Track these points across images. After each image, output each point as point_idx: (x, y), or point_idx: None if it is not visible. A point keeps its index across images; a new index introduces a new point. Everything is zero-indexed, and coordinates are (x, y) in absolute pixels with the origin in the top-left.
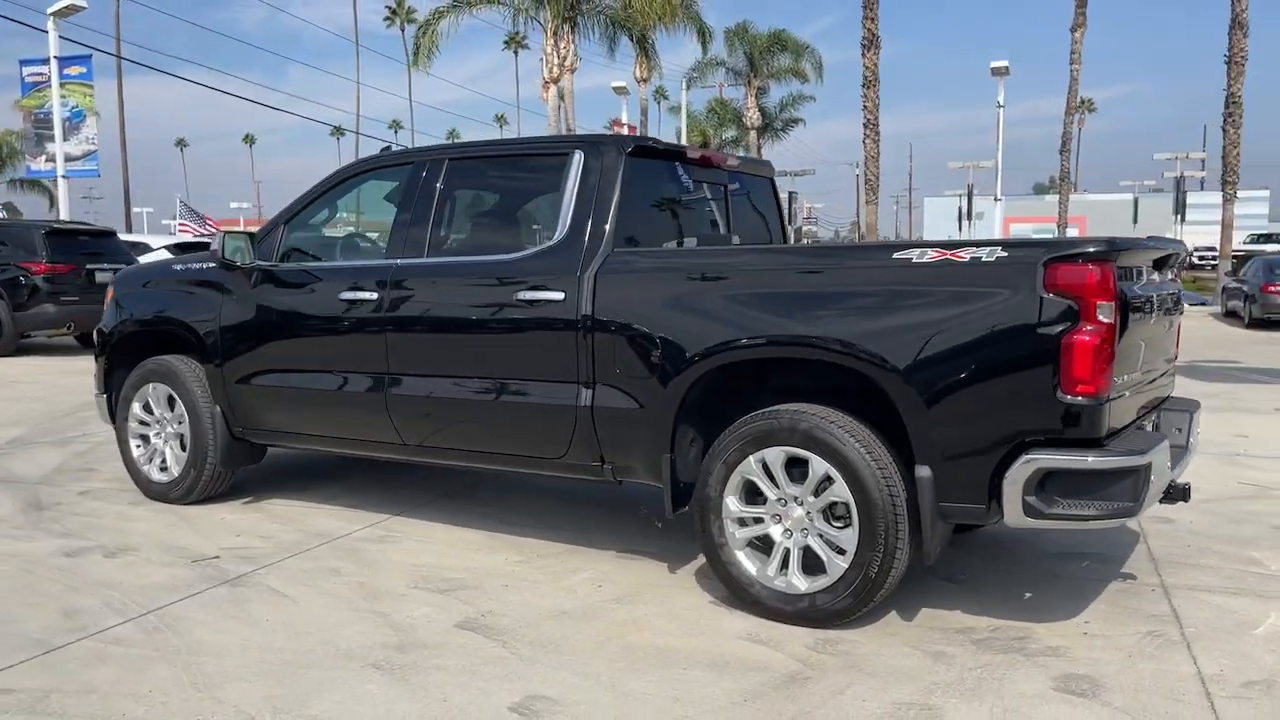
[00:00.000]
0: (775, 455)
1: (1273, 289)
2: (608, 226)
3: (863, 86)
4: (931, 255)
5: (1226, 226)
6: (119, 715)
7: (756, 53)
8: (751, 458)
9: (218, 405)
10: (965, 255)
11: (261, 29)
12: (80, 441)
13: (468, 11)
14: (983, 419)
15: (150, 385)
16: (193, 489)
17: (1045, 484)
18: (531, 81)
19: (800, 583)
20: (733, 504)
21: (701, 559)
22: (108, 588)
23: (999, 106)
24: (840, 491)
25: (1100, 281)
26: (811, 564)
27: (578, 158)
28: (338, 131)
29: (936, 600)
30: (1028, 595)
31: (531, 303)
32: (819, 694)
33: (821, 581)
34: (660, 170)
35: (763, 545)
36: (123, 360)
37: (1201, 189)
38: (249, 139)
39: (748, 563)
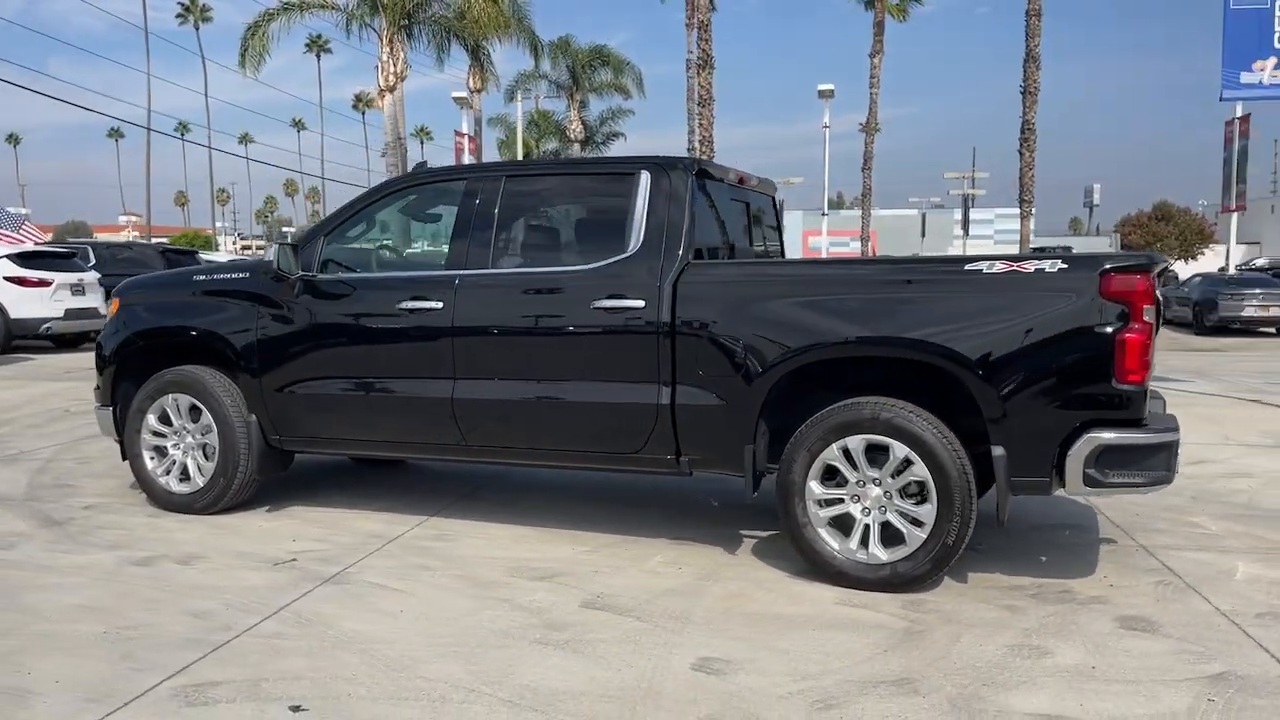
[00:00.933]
0: (857, 443)
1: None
2: (682, 240)
3: (698, 104)
4: (1000, 267)
5: (1024, 240)
6: (345, 695)
7: (579, 66)
8: (834, 445)
9: (253, 414)
10: (1030, 267)
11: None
12: (27, 459)
13: (299, 15)
14: (1049, 405)
15: (170, 396)
16: (220, 498)
17: (1101, 458)
18: (335, 85)
19: (881, 554)
20: (815, 487)
21: (749, 541)
22: (214, 591)
23: (825, 127)
24: (919, 472)
25: (1146, 289)
26: (889, 537)
27: (645, 178)
28: (115, 134)
29: (973, 566)
30: (1043, 559)
31: (611, 310)
32: (940, 643)
33: (901, 551)
34: (712, 190)
35: (842, 523)
36: (130, 372)
37: (974, 205)
38: (13, 139)
39: (830, 539)
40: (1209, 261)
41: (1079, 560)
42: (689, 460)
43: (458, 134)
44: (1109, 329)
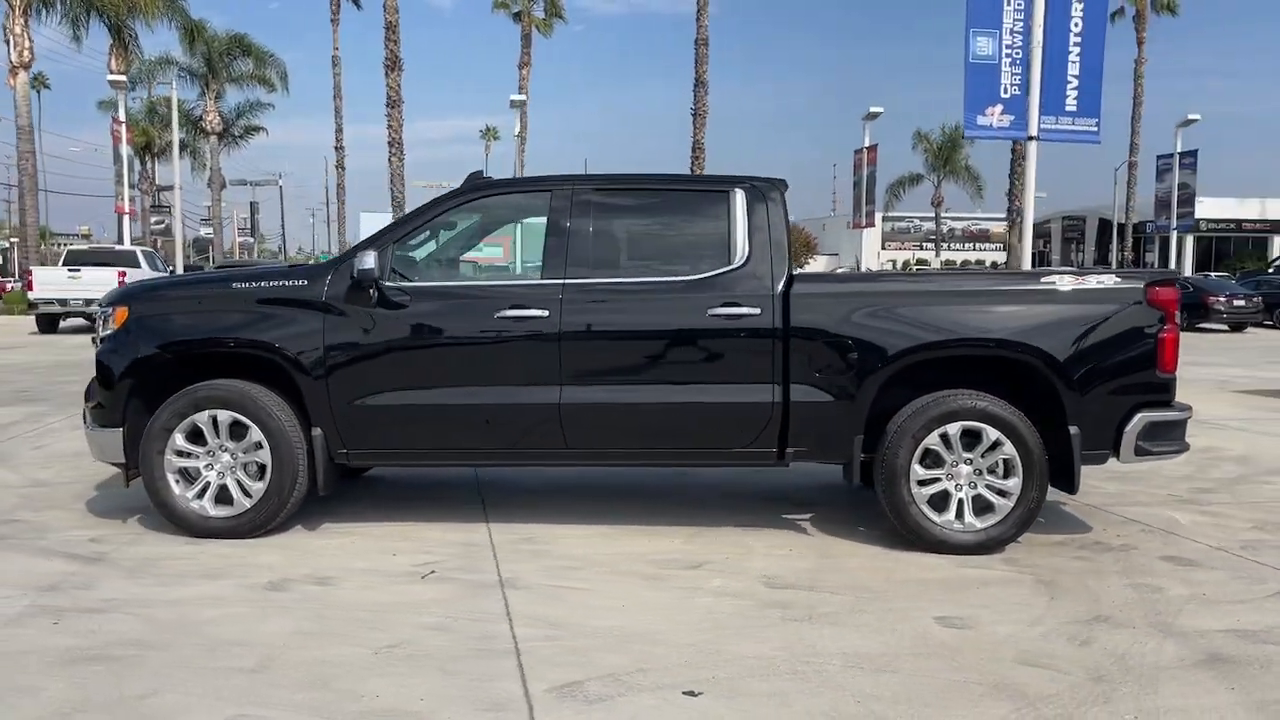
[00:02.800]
0: (955, 429)
1: None
2: (786, 253)
3: (388, 105)
4: (1069, 280)
5: None
6: (710, 679)
7: (215, 55)
8: (935, 432)
9: (317, 428)
10: (1091, 281)
11: None
12: None
13: None
14: (1113, 391)
15: (205, 413)
16: (271, 519)
17: (1148, 432)
18: None
19: (976, 522)
20: (918, 470)
21: (807, 524)
22: (409, 608)
23: (518, 136)
24: (1007, 451)
25: (1178, 297)
26: (978, 508)
27: (739, 196)
28: None
29: None
30: (1042, 521)
31: (727, 317)
32: (1081, 588)
33: (992, 519)
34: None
35: (938, 499)
36: (143, 390)
37: None
38: None
39: (931, 513)
40: (815, 268)
41: (1069, 520)
42: (793, 453)
43: (115, 120)
44: (1153, 330)
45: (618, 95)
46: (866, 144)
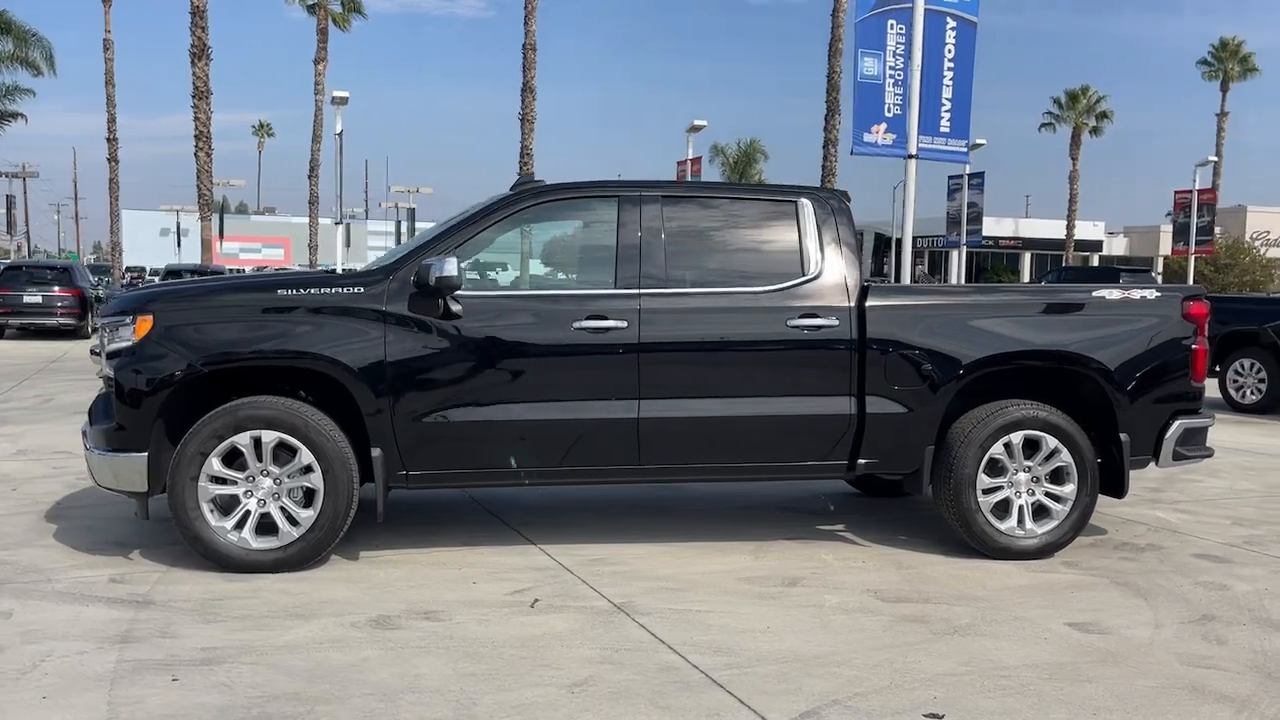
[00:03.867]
0: (1018, 438)
1: None
2: (859, 263)
3: (195, 97)
4: (1116, 294)
5: None
6: (933, 700)
7: None
8: (1000, 441)
9: (377, 448)
10: (1136, 294)
11: None
12: None
13: None
14: (1157, 400)
15: (246, 435)
16: (320, 550)
17: (1183, 438)
18: None
19: (1036, 528)
20: (984, 478)
21: (848, 536)
22: (547, 642)
23: (338, 134)
24: (1064, 458)
25: (1207, 311)
26: (1036, 514)
27: (808, 206)
28: None
29: None
30: None
31: (807, 328)
32: (1162, 590)
33: (1049, 524)
34: None
35: (1001, 506)
36: (174, 408)
37: (368, 218)
38: None
39: (994, 520)
40: None
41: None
42: (865, 464)
43: None
44: (1188, 342)
45: (426, 93)
46: (690, 155)
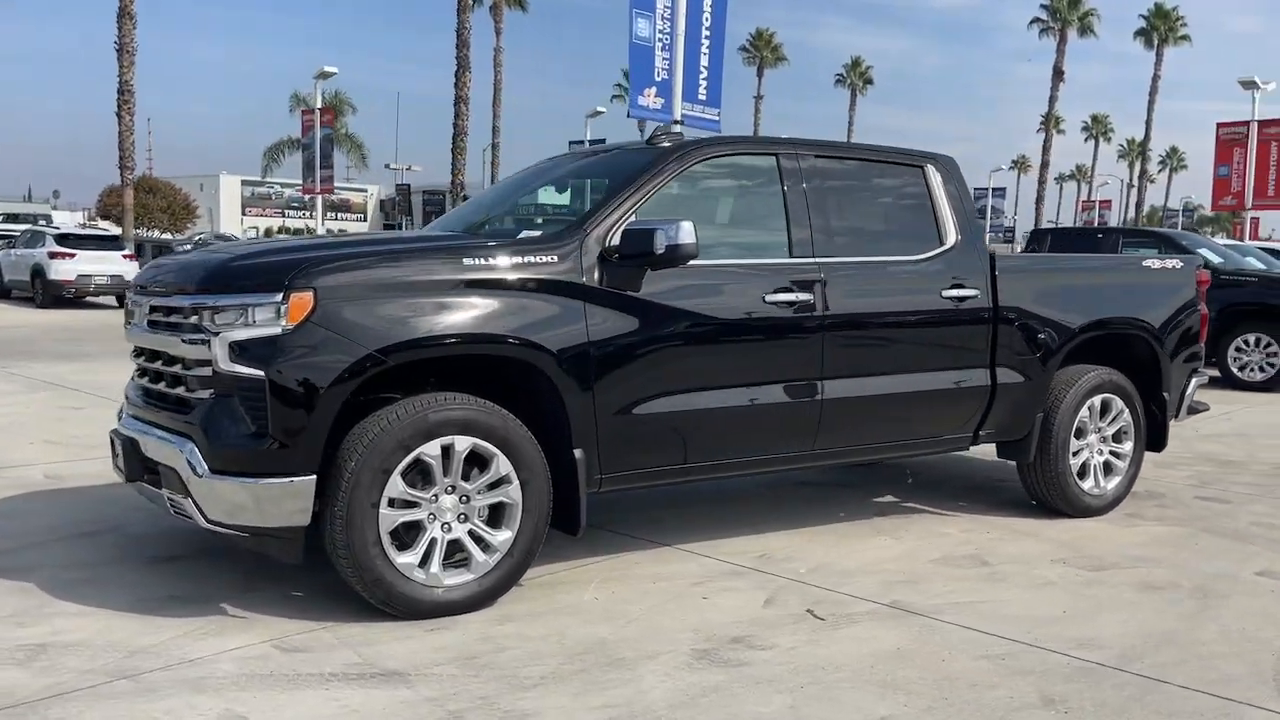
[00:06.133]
0: (1098, 401)
1: None
2: (983, 231)
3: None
4: (1155, 263)
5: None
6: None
7: None
8: (1086, 405)
9: (579, 449)
10: (1170, 264)
11: None
12: None
13: None
14: (1185, 359)
15: (437, 442)
16: (514, 579)
17: (1196, 393)
18: None
19: (1108, 486)
20: (1072, 441)
21: (932, 507)
22: (917, 653)
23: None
24: (1126, 418)
25: (1207, 279)
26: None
27: (933, 171)
28: None
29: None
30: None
31: (956, 299)
32: (1231, 531)
33: (1114, 481)
34: None
35: (1081, 468)
36: (344, 415)
37: None
38: None
39: (1079, 482)
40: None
41: None
42: (984, 435)
43: None
44: (1199, 306)
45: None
46: (320, 105)
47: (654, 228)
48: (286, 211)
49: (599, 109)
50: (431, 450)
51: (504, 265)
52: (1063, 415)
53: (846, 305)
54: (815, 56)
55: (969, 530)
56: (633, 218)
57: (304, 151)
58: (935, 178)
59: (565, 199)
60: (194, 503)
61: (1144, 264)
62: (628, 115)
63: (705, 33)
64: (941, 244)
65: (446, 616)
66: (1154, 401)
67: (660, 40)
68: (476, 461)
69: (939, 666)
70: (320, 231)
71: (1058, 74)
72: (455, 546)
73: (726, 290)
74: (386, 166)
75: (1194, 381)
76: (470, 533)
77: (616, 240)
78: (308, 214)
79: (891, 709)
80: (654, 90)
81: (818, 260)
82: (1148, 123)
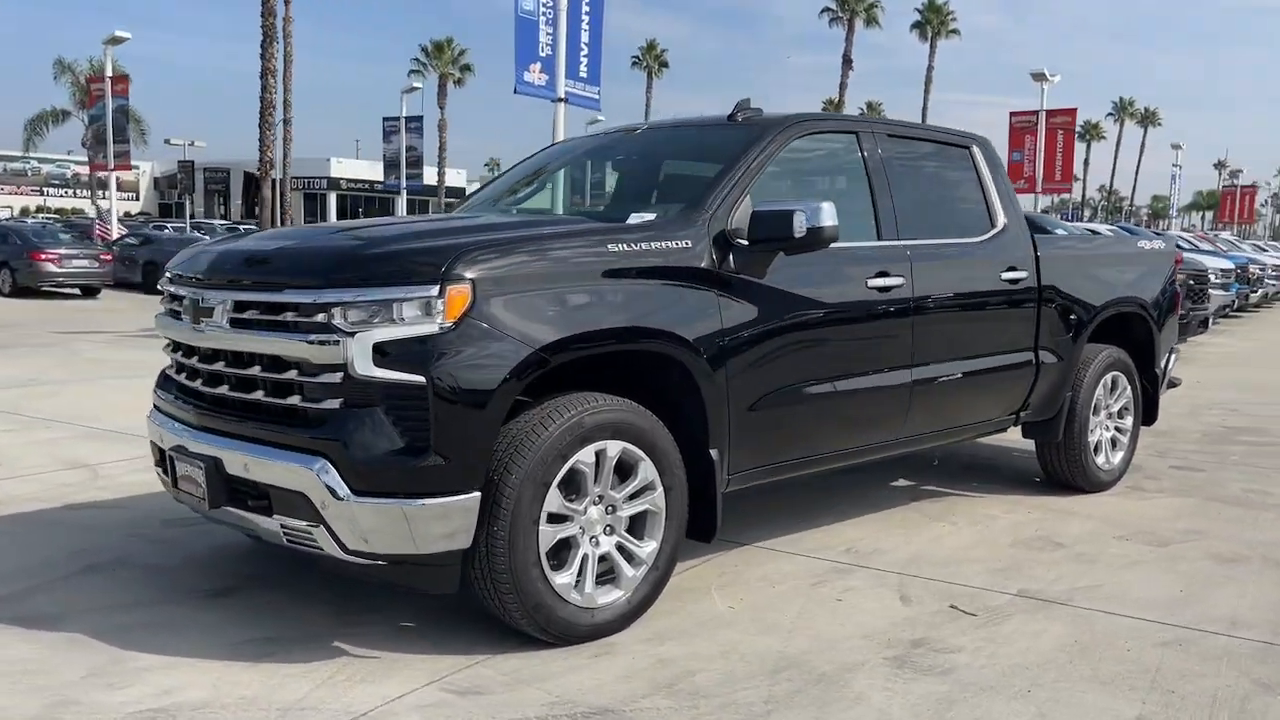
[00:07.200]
0: (1109, 379)
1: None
2: (1023, 213)
3: None
4: (1147, 244)
5: None
6: None
7: None
8: (1100, 383)
9: (715, 448)
10: (1159, 244)
11: None
12: None
13: None
14: (1171, 332)
15: (591, 448)
16: (658, 592)
17: (1172, 367)
18: None
19: (1115, 459)
20: (1092, 418)
21: (972, 488)
22: (1097, 648)
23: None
24: (1128, 395)
25: (1181, 260)
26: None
27: (978, 151)
28: None
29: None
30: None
31: (1012, 281)
32: (1241, 497)
33: (1118, 455)
34: None
35: (1095, 444)
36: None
37: None
38: None
39: (1099, 454)
40: None
41: None
42: (1025, 415)
43: None
44: (1175, 285)
45: None
46: (111, 73)
47: (791, 209)
48: (46, 190)
49: (414, 85)
50: (586, 457)
51: (645, 253)
52: (1084, 393)
53: (930, 288)
54: (610, 36)
55: (1010, 512)
56: (747, 199)
57: (92, 124)
58: (980, 158)
59: (646, 181)
60: (329, 531)
61: (1139, 245)
62: (514, 92)
63: (585, 8)
64: (993, 226)
65: (600, 639)
66: (1147, 377)
67: (544, 14)
68: (618, 468)
69: (1133, 658)
70: (106, 210)
71: (847, 62)
72: (603, 562)
73: (839, 275)
74: (166, 142)
75: (1172, 357)
76: (618, 545)
77: (742, 223)
78: (71, 193)
79: (1135, 708)
80: (539, 66)
81: (904, 242)
82: (924, 111)
